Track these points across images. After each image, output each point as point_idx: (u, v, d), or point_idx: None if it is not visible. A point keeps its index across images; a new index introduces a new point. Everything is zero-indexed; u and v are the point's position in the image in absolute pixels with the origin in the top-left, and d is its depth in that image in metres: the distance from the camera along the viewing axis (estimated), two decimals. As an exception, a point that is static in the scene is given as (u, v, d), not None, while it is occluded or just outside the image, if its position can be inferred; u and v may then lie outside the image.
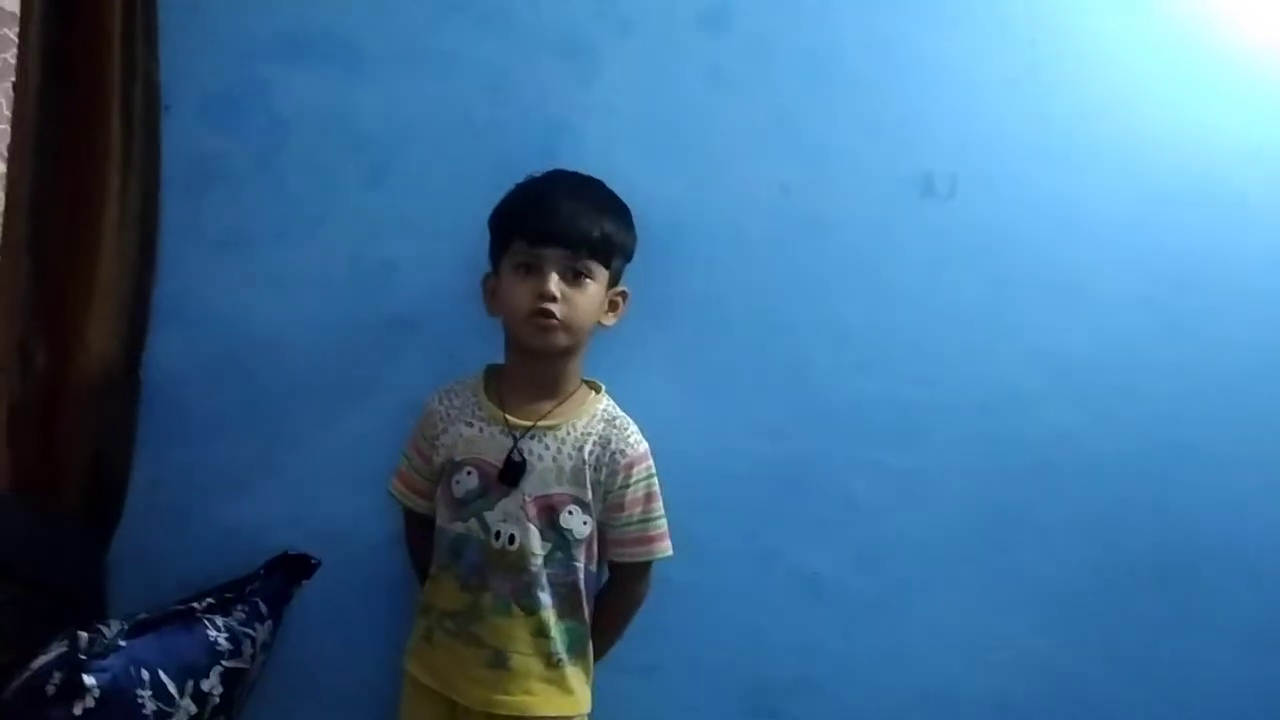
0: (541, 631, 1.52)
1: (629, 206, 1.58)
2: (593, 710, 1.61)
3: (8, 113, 1.47)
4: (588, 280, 1.49)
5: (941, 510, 1.76)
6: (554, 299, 1.45)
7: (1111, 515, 1.76)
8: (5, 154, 1.46)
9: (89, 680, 1.28)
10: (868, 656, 1.77)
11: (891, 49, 1.71)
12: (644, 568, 1.59)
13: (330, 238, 1.70)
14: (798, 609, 1.76)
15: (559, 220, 1.46)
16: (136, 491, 1.66)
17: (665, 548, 1.57)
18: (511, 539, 1.50)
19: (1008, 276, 1.73)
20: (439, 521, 1.57)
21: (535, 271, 1.47)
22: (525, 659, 1.52)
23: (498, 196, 1.57)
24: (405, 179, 1.69)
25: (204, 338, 1.69)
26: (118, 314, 1.60)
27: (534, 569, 1.51)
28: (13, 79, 1.46)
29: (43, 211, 1.54)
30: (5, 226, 1.47)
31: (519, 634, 1.52)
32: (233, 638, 1.52)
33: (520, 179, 1.56)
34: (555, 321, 1.46)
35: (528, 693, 1.52)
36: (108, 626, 1.38)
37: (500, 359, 1.60)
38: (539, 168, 1.58)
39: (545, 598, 1.52)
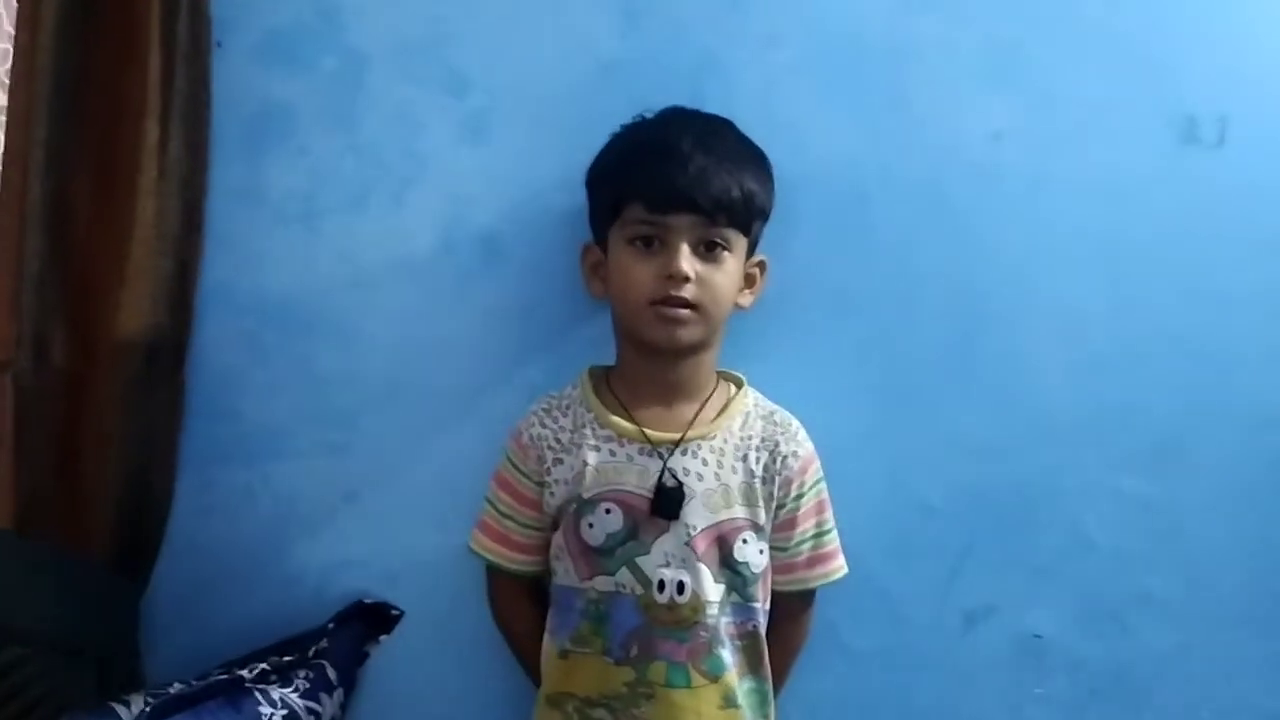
0: (729, 699, 1.24)
1: (795, 161, 1.31)
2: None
3: (9, 28, 1.16)
4: (725, 253, 1.22)
5: (1206, 557, 1.42)
6: (687, 279, 1.18)
7: None
8: (4, 81, 1.15)
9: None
10: None
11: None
12: (814, 594, 1.33)
13: (419, 205, 1.40)
14: (1013, 680, 1.43)
15: (689, 177, 1.18)
16: (178, 522, 1.37)
17: (841, 565, 1.32)
18: (681, 587, 1.22)
19: None
20: (564, 581, 1.26)
21: (659, 245, 1.20)
22: None
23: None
24: (513, 131, 1.39)
25: (262, 329, 1.40)
26: (155, 298, 1.33)
27: (711, 621, 1.23)
28: (11, -16, 1.18)
29: (61, 169, 1.28)
30: (6, 184, 1.20)
31: (705, 709, 1.23)
32: (292, 715, 1.23)
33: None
34: (687, 312, 1.19)
35: None
36: (126, 706, 1.10)
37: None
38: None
39: (728, 656, 1.24)
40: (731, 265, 1.21)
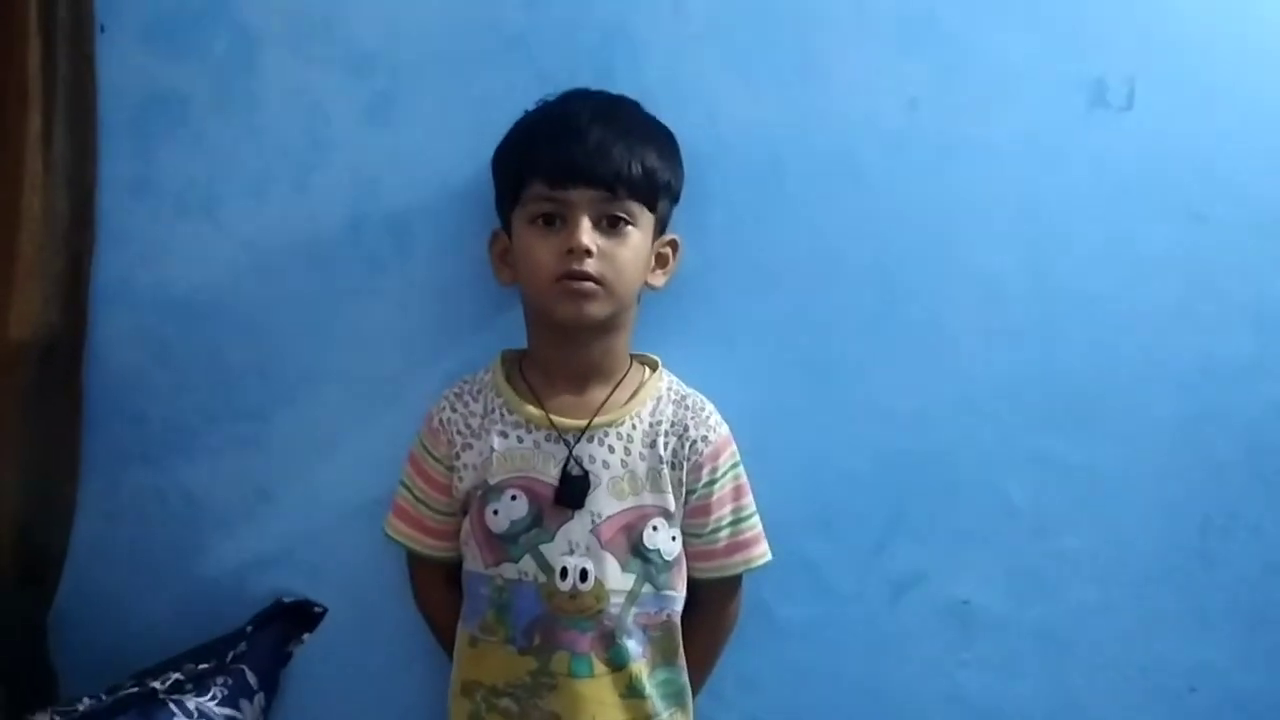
0: (634, 690, 1.24)
1: (707, 134, 1.32)
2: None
3: None
4: (629, 228, 1.20)
5: (1125, 515, 1.43)
6: (588, 253, 1.17)
7: (1352, 514, 1.43)
8: None
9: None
10: (1034, 703, 1.45)
11: (1050, -85, 1.37)
12: (738, 581, 1.33)
13: (324, 191, 1.37)
14: (943, 646, 1.44)
15: (587, 150, 1.18)
16: (85, 528, 1.37)
17: (764, 552, 1.31)
18: (584, 575, 1.21)
19: (1206, 211, 1.39)
20: (471, 566, 1.26)
21: (561, 223, 1.19)
22: None
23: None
24: (418, 111, 1.36)
25: (163, 325, 1.38)
26: (47, 298, 1.30)
27: (616, 610, 1.23)
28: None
29: None
30: None
31: (607, 698, 1.23)
32: None
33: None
34: (591, 285, 1.18)
35: None
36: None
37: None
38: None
39: (635, 646, 1.24)
40: (637, 240, 1.20)
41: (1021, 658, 1.43)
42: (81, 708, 1.15)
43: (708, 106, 1.34)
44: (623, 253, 1.19)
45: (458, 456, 1.26)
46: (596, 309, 1.19)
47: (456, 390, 1.29)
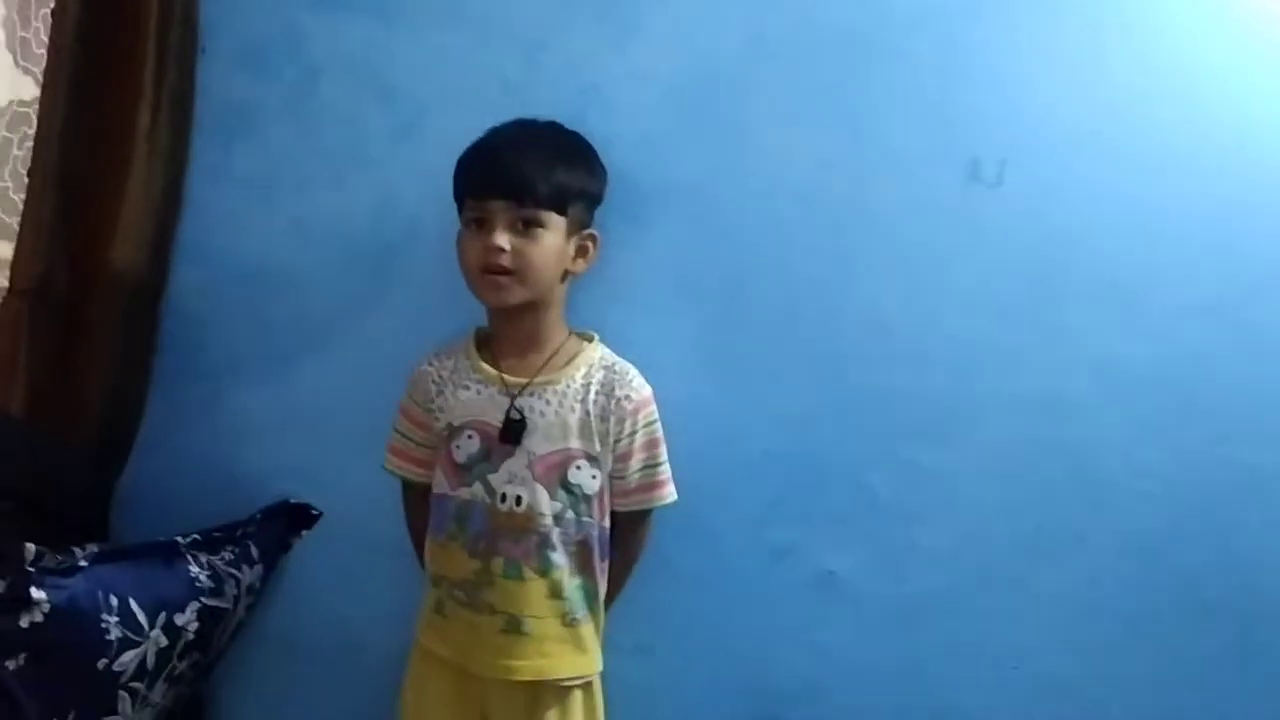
0: (556, 593, 1.49)
1: (656, 173, 1.57)
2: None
3: (45, 38, 1.49)
4: (540, 230, 1.45)
5: (971, 515, 1.66)
6: (501, 250, 1.43)
7: (1157, 535, 1.65)
8: (41, 79, 1.50)
9: (37, 594, 1.27)
10: (880, 665, 1.69)
11: (941, 23, 1.62)
12: (648, 514, 1.57)
13: (355, 191, 1.68)
14: (808, 609, 1.68)
15: (500, 171, 1.44)
16: (149, 426, 1.67)
17: (670, 493, 1.55)
18: (519, 500, 1.47)
19: (1056, 273, 1.63)
20: (439, 490, 1.53)
21: (484, 226, 1.45)
22: (540, 622, 1.49)
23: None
24: (433, 136, 1.65)
25: (225, 279, 1.69)
26: (141, 250, 1.61)
27: (543, 529, 1.48)
28: (52, 5, 1.50)
29: (72, 142, 1.56)
30: (35, 157, 1.51)
31: (533, 597, 1.49)
32: (215, 576, 1.52)
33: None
34: (505, 278, 1.44)
35: (544, 655, 1.50)
36: (82, 549, 1.38)
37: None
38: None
39: (557, 558, 1.49)
40: (549, 240, 1.44)
41: (873, 625, 1.66)
42: (117, 545, 1.46)
43: (659, 153, 1.61)
44: (534, 249, 1.43)
45: (432, 401, 1.53)
46: (511, 295, 1.45)
47: (437, 352, 1.56)
